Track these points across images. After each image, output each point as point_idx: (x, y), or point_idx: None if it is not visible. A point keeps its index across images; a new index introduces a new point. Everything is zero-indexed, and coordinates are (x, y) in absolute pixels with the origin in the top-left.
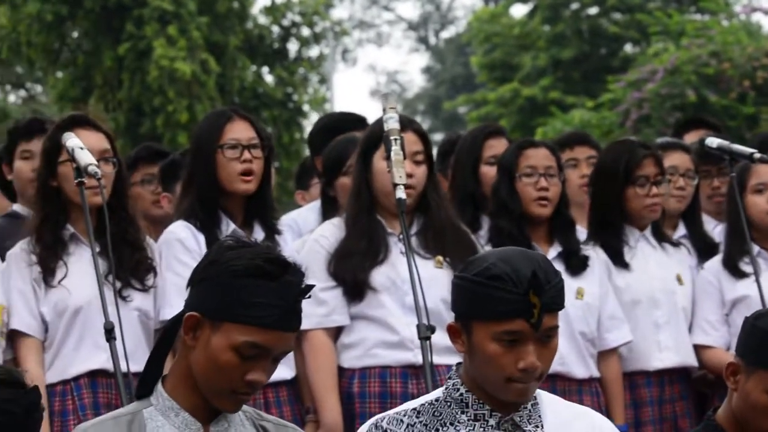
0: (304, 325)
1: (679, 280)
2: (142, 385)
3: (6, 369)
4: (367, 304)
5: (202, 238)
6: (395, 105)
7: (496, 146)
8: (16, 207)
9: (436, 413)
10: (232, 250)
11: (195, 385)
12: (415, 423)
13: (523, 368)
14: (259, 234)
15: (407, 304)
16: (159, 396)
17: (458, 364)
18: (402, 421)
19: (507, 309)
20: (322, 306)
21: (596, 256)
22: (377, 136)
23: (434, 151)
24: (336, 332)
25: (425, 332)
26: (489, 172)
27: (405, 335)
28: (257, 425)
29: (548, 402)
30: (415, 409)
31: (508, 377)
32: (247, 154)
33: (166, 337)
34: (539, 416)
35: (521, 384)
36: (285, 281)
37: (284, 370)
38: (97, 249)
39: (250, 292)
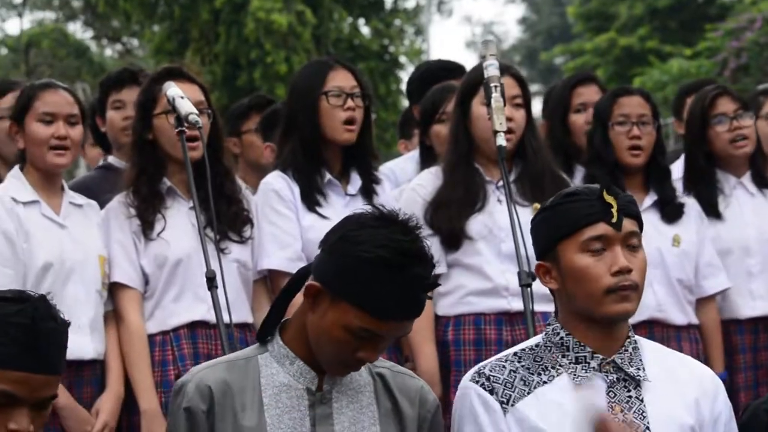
0: None
1: None
2: (263, 330)
3: (16, 290)
4: (463, 252)
5: (297, 188)
6: (495, 52)
7: (585, 93)
8: (111, 159)
9: (536, 358)
10: (366, 228)
11: None
12: (517, 368)
13: (617, 271)
14: (356, 183)
15: (503, 252)
16: (276, 343)
17: (557, 310)
18: (504, 366)
19: (586, 213)
20: None
21: (693, 203)
22: (476, 82)
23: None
24: None
25: (526, 279)
26: (577, 120)
27: (499, 282)
28: (373, 373)
29: (649, 348)
30: (516, 354)
31: (606, 288)
32: (350, 102)
33: (291, 286)
34: (641, 360)
35: (620, 293)
36: (412, 274)
37: None
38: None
39: (372, 281)
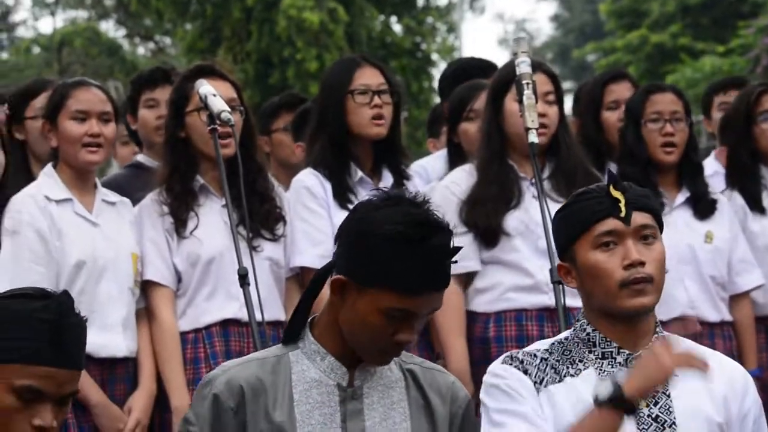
0: None
1: None
2: (290, 330)
3: (37, 288)
4: (500, 249)
5: (329, 186)
6: (527, 49)
7: (617, 90)
8: (140, 157)
9: (565, 352)
10: (379, 210)
11: (341, 332)
12: (547, 358)
13: (629, 264)
14: (388, 180)
15: (540, 248)
16: (306, 340)
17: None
18: (536, 356)
19: (595, 210)
20: None
21: (726, 200)
22: (508, 79)
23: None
24: (466, 278)
25: (558, 276)
26: (610, 117)
27: (539, 278)
28: (404, 369)
29: (677, 343)
30: (547, 349)
31: (619, 282)
32: (377, 99)
33: (315, 284)
34: None
35: (633, 286)
36: (433, 244)
37: None
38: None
39: (395, 258)
